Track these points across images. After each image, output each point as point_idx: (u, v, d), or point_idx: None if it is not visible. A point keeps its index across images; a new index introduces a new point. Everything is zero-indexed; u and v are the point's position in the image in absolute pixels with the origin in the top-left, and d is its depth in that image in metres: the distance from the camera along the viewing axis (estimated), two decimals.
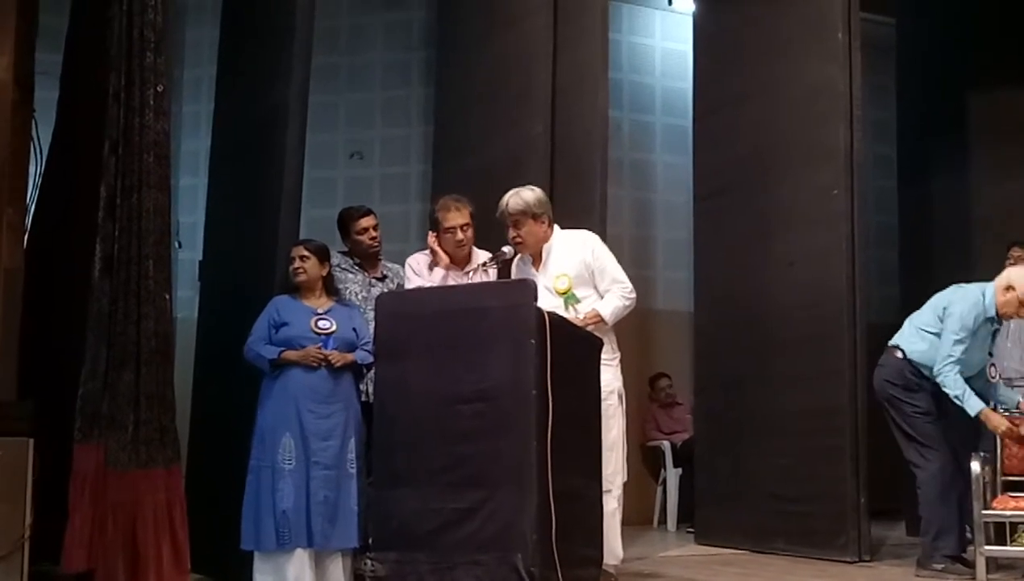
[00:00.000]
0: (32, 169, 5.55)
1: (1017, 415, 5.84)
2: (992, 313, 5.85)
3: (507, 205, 5.58)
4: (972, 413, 5.76)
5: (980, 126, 8.19)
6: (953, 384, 5.75)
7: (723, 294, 7.49)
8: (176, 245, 8.02)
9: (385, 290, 5.86)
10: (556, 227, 5.70)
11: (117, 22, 5.01)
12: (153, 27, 5.00)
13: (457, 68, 7.92)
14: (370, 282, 5.93)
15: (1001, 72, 7.90)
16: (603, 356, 5.44)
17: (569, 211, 5.96)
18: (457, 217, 5.71)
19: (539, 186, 6.38)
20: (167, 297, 5.02)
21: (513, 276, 5.79)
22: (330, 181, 8.85)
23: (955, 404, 5.79)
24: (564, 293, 5.49)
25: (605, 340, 5.49)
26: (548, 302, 5.39)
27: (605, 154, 6.52)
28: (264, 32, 6.19)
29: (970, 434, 6.02)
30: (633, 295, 5.58)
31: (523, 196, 5.59)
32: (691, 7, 8.41)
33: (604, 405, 5.39)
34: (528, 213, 5.57)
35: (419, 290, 5.77)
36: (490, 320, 4.82)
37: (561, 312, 5.37)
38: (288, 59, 5.84)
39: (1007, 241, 7.14)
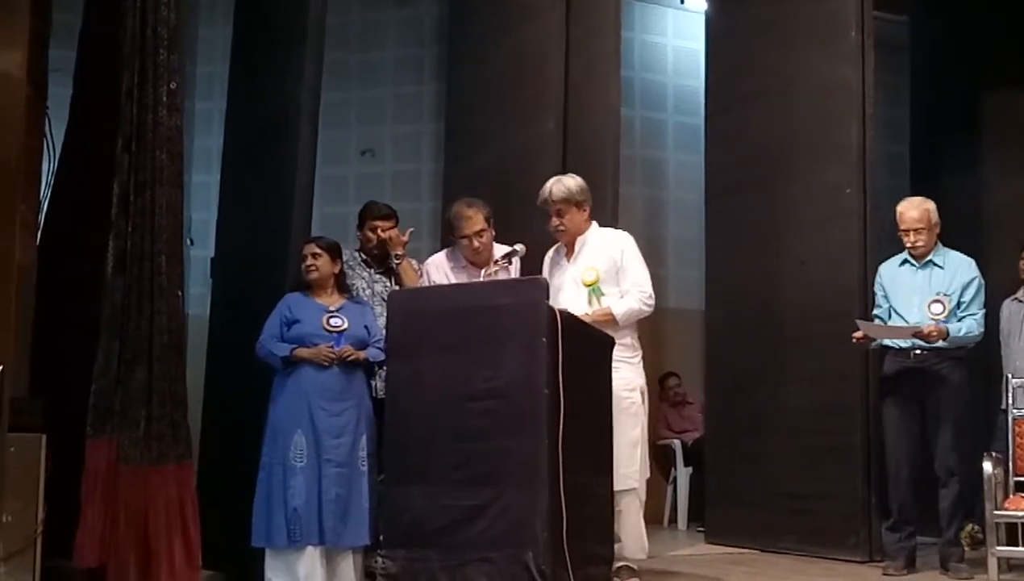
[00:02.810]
0: (45, 166, 5.56)
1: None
2: (904, 257, 6.17)
3: (550, 193, 5.57)
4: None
5: (993, 124, 8.16)
6: None
7: (734, 293, 7.47)
8: (188, 242, 8.04)
9: (390, 285, 5.87)
10: (594, 223, 5.69)
11: (130, 19, 5.01)
12: (166, 24, 5.00)
13: (469, 65, 7.92)
14: (374, 278, 5.93)
15: (1014, 70, 7.87)
16: (625, 354, 5.47)
17: None
18: (471, 225, 5.69)
19: None
20: (179, 294, 5.02)
21: (545, 265, 5.80)
22: (342, 178, 8.86)
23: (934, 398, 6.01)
24: (590, 285, 5.49)
25: (628, 338, 5.51)
26: (574, 293, 5.44)
27: (617, 152, 6.52)
28: (276, 29, 6.20)
29: (938, 433, 6.01)
30: (651, 302, 5.55)
31: (566, 183, 5.59)
32: (703, 5, 8.41)
33: (627, 403, 5.42)
34: (571, 201, 5.57)
35: (431, 287, 5.78)
36: (502, 318, 4.82)
37: (584, 304, 5.41)
38: (300, 56, 5.85)
39: (1020, 239, 7.09)
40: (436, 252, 6.36)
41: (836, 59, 6.84)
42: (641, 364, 5.64)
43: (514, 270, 5.68)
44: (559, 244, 5.75)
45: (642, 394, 5.58)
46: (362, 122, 9.12)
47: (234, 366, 5.98)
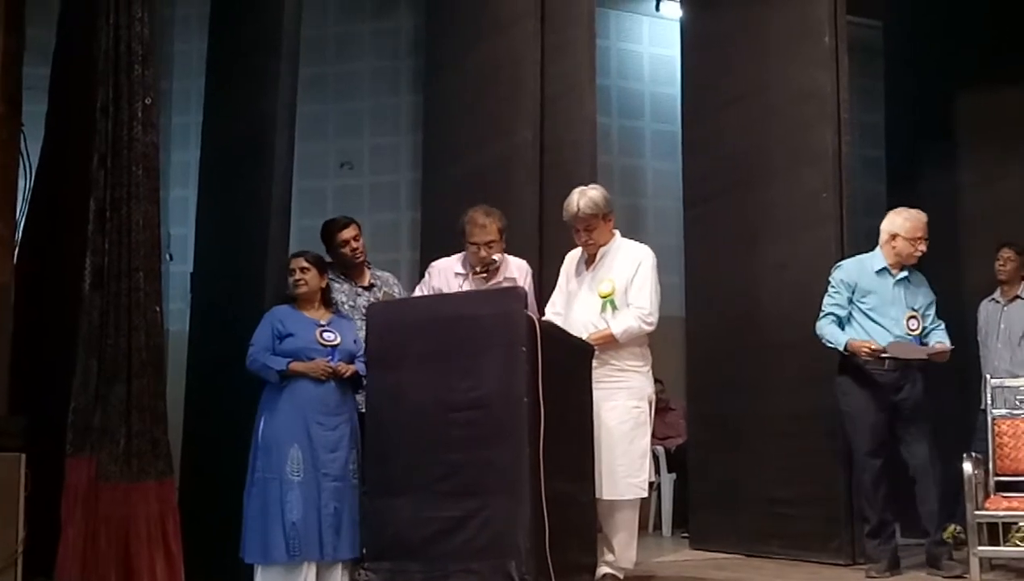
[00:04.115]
0: (21, 184, 5.54)
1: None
2: (881, 265, 6.07)
3: (578, 208, 5.46)
4: (840, 347, 6.01)
5: (968, 128, 8.20)
6: (826, 333, 6.09)
7: (714, 298, 7.49)
8: (167, 257, 8.02)
9: (372, 299, 5.83)
10: (617, 233, 5.67)
11: (104, 35, 5.00)
12: (140, 40, 5.00)
13: (445, 76, 7.93)
14: (356, 292, 5.90)
15: (989, 73, 7.92)
16: (635, 363, 5.47)
17: (559, 218, 5.95)
18: (483, 234, 5.62)
19: (528, 193, 6.40)
20: (158, 309, 5.01)
21: (566, 266, 5.76)
22: (320, 191, 8.87)
23: (905, 401, 5.95)
24: (605, 297, 5.46)
25: (637, 347, 5.50)
26: (588, 301, 5.47)
27: (594, 160, 6.53)
28: (252, 43, 6.20)
29: (914, 436, 5.99)
30: (651, 321, 5.45)
31: (592, 197, 5.49)
32: (678, 13, 8.44)
33: (636, 412, 5.41)
34: (599, 214, 5.49)
35: (410, 299, 5.78)
36: (481, 328, 4.81)
37: (597, 313, 5.42)
38: (276, 69, 5.85)
39: (996, 242, 7.16)
40: (416, 263, 6.37)
41: (810, 64, 6.86)
42: (651, 373, 5.59)
43: (526, 276, 5.69)
44: (581, 249, 5.69)
45: (650, 403, 5.54)
46: (340, 134, 9.13)
47: (214, 381, 5.97)
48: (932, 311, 6.10)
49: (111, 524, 4.72)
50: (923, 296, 6.09)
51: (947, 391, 6.46)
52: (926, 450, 5.95)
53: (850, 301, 6.09)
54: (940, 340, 6.01)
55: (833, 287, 6.14)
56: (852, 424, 6.09)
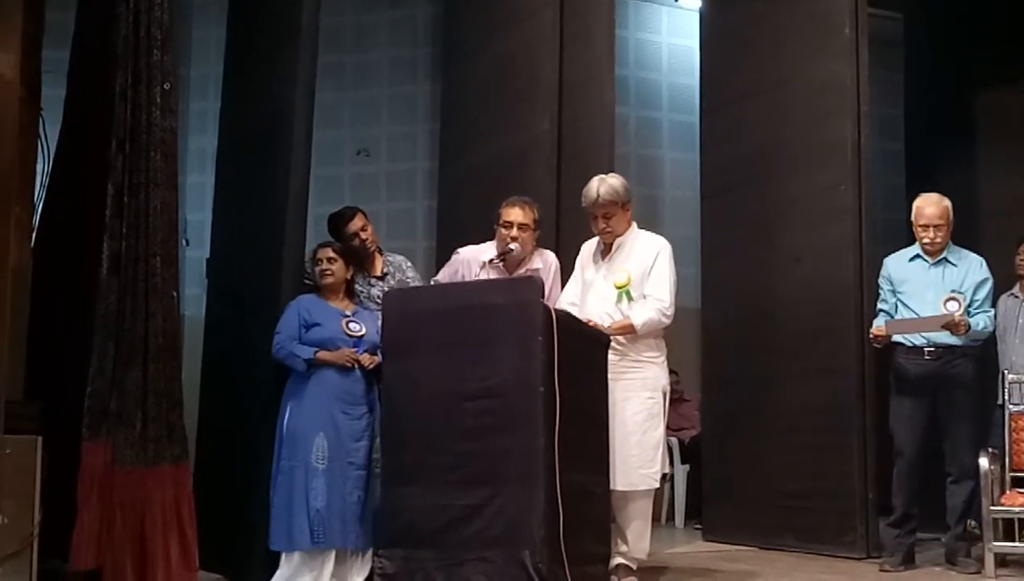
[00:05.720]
0: (40, 168, 5.55)
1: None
2: (915, 252, 6.14)
3: (598, 194, 5.43)
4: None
5: (988, 122, 8.16)
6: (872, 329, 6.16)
7: (731, 290, 7.48)
8: (184, 243, 8.03)
9: (386, 288, 5.82)
10: (634, 223, 5.64)
11: (124, 20, 5.00)
12: (160, 25, 4.99)
13: (463, 64, 7.92)
14: (369, 282, 5.90)
15: (1009, 68, 7.87)
16: (650, 354, 5.46)
17: (576, 207, 5.94)
18: (519, 215, 5.65)
19: (546, 183, 6.38)
20: (174, 295, 5.01)
21: (582, 256, 5.74)
22: (337, 178, 8.87)
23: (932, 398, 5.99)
24: (621, 287, 5.43)
25: (652, 339, 5.48)
26: (604, 291, 5.45)
27: (612, 150, 6.51)
28: (271, 30, 6.19)
29: (954, 429, 5.98)
30: (670, 312, 5.43)
31: (612, 184, 5.47)
32: (697, 3, 8.41)
33: (650, 403, 5.40)
34: (618, 202, 5.47)
35: (426, 287, 5.77)
36: (497, 317, 4.81)
37: (613, 304, 5.40)
38: (294, 57, 5.84)
39: (1015, 237, 7.10)
40: (431, 251, 6.35)
41: (830, 56, 6.84)
42: (666, 364, 5.57)
43: (551, 269, 5.68)
44: (598, 238, 5.66)
45: (664, 394, 5.53)
46: (357, 122, 9.13)
47: (230, 367, 5.98)
48: (982, 295, 6.05)
49: (126, 509, 4.73)
50: (970, 278, 6.04)
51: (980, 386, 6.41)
52: (967, 443, 5.94)
53: (893, 293, 6.11)
54: (984, 325, 5.99)
55: (879, 285, 6.22)
56: (893, 415, 6.12)
